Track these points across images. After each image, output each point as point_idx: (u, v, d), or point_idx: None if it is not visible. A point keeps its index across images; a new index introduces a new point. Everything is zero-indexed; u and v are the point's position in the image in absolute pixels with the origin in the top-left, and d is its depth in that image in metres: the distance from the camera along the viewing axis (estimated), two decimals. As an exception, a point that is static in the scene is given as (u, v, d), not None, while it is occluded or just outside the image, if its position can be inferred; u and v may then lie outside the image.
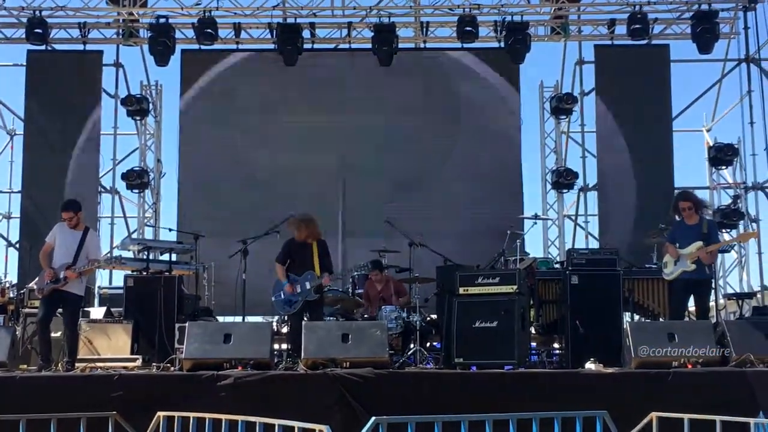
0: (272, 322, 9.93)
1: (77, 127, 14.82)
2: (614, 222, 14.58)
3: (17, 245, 15.01)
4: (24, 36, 14.90)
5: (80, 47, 15.41)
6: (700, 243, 9.06)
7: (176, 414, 5.60)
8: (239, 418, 5.23)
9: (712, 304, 11.71)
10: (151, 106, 16.11)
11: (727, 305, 14.29)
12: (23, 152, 15.13)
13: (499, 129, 15.26)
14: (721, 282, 15.66)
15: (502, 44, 14.96)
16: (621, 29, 15.15)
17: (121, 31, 15.43)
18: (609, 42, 15.48)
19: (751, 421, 5.64)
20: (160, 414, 5.80)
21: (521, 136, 15.53)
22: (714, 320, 10.05)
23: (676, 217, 9.51)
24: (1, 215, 16.48)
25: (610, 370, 7.86)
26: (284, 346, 10.17)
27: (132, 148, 16.51)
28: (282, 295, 9.46)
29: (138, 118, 16.08)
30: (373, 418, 4.84)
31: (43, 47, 15.09)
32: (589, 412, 5.54)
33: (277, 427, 5.01)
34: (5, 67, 16.10)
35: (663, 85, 15.01)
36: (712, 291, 10.20)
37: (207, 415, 5.41)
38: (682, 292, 9.39)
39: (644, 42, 15.08)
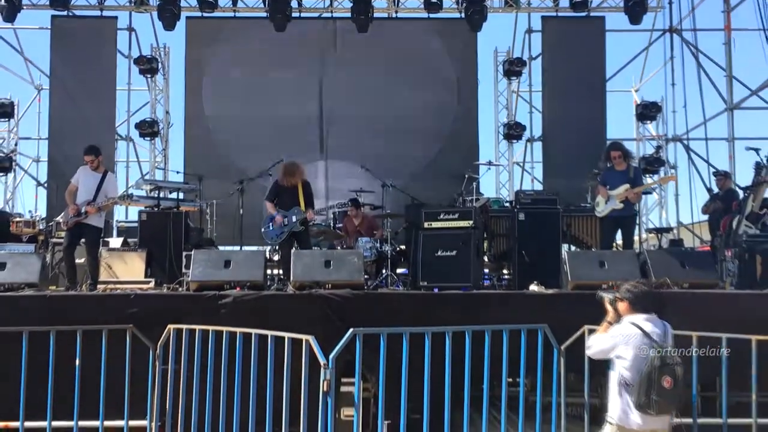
0: (265, 250, 9.92)
1: (96, 83, 14.56)
2: (556, 168, 14.60)
3: (45, 185, 14.90)
4: (48, 3, 14.55)
5: (97, 13, 15.05)
6: (627, 185, 9.15)
7: (184, 326, 5.61)
8: (238, 330, 5.25)
9: (636, 237, 11.87)
10: (160, 65, 15.96)
11: (649, 238, 14.49)
12: (49, 104, 14.88)
13: (459, 88, 15.13)
14: (644, 219, 15.90)
15: (463, 15, 14.76)
16: (564, 2, 15.04)
17: (133, -1, 15.15)
18: (554, 14, 15.32)
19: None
20: (170, 327, 5.81)
21: (478, 94, 15.48)
22: (637, 250, 10.18)
23: (607, 164, 9.57)
24: (32, 159, 16.38)
25: (550, 291, 7.94)
26: (275, 271, 10.21)
27: (144, 101, 16.42)
28: (271, 227, 9.39)
29: (149, 75, 15.91)
30: (351, 330, 4.89)
31: (65, 13, 14.74)
32: (532, 326, 5.62)
33: (269, 337, 5.04)
34: (33, 30, 15.71)
35: (599, 52, 14.92)
36: (636, 226, 10.29)
37: (210, 328, 5.43)
38: (611, 227, 9.49)
39: (584, 14, 14.97)
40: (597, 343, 5.14)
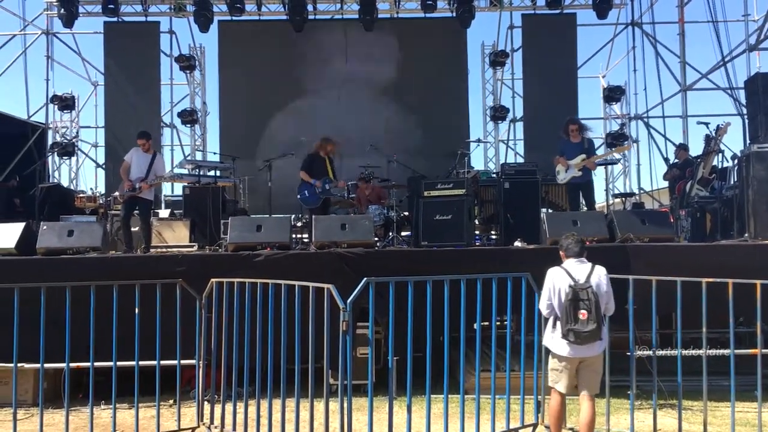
0: (291, 217, 9.99)
1: (143, 79, 14.54)
2: (535, 144, 14.48)
3: (103, 166, 14.98)
4: (101, 10, 14.53)
5: (143, 19, 15.01)
6: (583, 155, 9.17)
7: (224, 280, 5.66)
8: (269, 281, 5.30)
9: (603, 202, 11.86)
10: (197, 62, 15.90)
11: (615, 203, 14.47)
12: (105, 97, 14.90)
13: (453, 77, 15.03)
14: (610, 186, 15.96)
15: (454, 14, 14.66)
16: (541, 1, 14.89)
17: (172, 5, 15.02)
18: (532, 11, 15.18)
19: (630, 277, 5.76)
20: (213, 280, 5.86)
21: (468, 82, 15.35)
22: (605, 211, 10.17)
23: (565, 137, 9.57)
24: (91, 144, 16.42)
25: (531, 246, 7.97)
26: (299, 235, 10.26)
27: (184, 94, 16.41)
28: (307, 193, 9.69)
29: (188, 71, 15.86)
30: (365, 279, 4.93)
31: (115, 19, 14.70)
32: (516, 274, 5.65)
33: (296, 287, 5.09)
34: (88, 35, 15.62)
35: (571, 43, 14.79)
36: (593, 190, 10.18)
37: (246, 280, 5.48)
38: (574, 192, 9.58)
39: (558, 11, 14.82)
40: (542, 297, 5.23)
